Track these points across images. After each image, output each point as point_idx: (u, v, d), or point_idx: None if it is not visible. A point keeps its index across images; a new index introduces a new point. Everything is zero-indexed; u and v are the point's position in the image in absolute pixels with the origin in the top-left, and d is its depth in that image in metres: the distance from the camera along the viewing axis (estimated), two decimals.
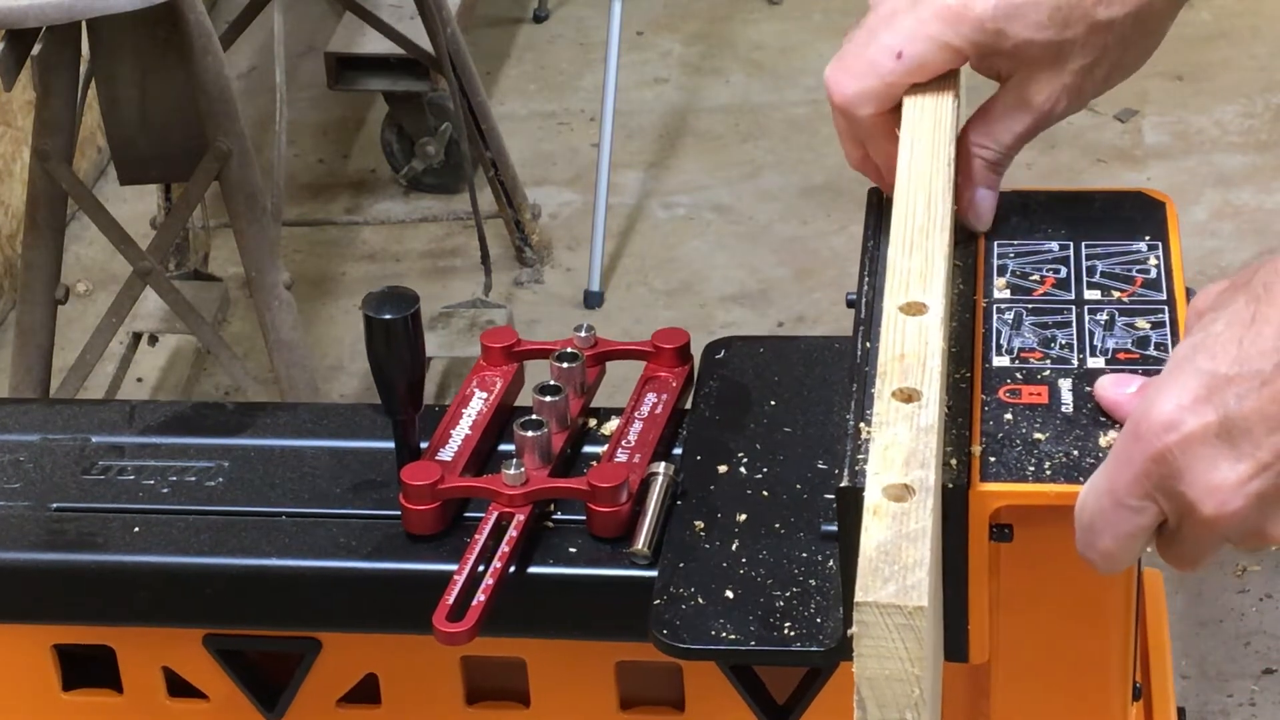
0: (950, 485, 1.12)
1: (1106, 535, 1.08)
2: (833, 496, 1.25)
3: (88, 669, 1.41)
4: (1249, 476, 1.04)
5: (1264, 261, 1.07)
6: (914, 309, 1.12)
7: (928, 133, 1.24)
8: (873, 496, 1.02)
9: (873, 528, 1.01)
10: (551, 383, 1.37)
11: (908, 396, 1.07)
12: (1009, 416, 1.17)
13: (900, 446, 1.05)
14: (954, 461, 1.13)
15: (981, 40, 1.23)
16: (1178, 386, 1.05)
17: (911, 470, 1.03)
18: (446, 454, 1.35)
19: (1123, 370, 1.18)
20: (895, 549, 1.00)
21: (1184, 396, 1.04)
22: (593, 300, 3.00)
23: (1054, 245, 1.30)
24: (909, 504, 1.02)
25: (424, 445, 1.35)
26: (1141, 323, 1.23)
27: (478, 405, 1.39)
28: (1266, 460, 1.03)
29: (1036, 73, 1.25)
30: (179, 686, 1.39)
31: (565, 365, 1.39)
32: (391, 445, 1.36)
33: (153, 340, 2.79)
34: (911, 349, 1.10)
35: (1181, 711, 1.47)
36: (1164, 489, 1.06)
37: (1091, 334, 1.22)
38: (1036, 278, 1.27)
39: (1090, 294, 1.26)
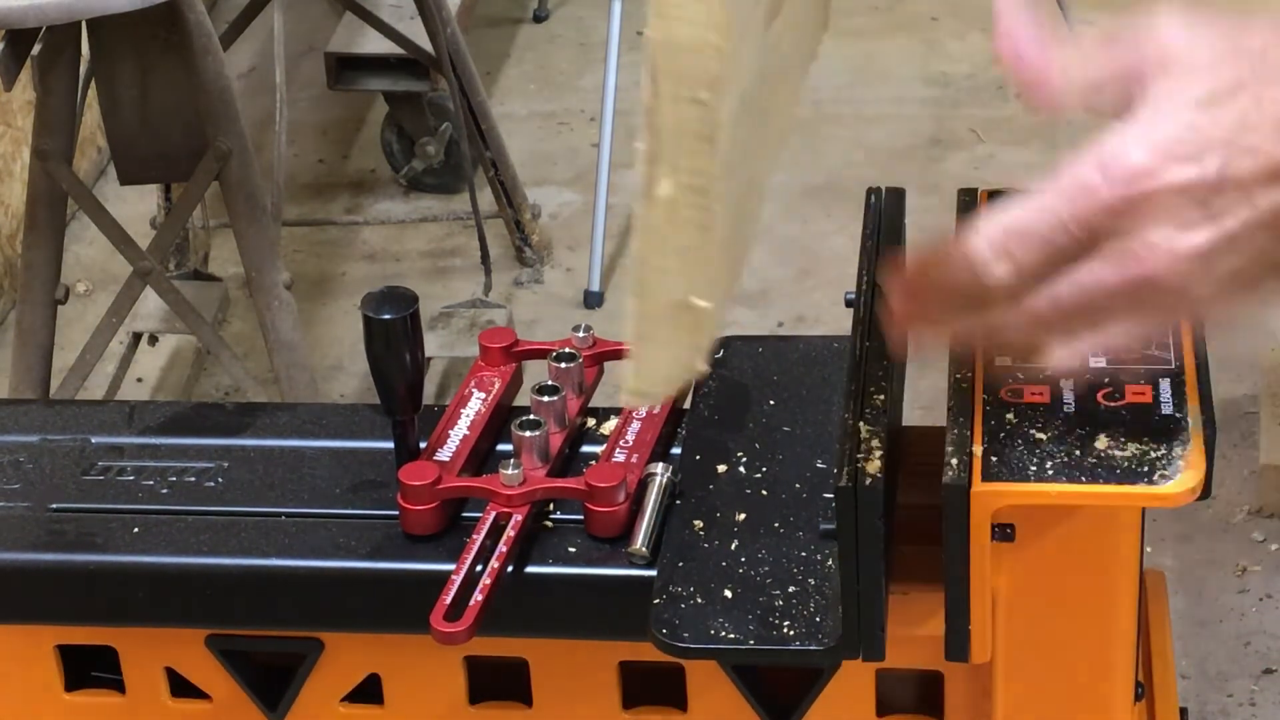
0: (952, 485, 1.12)
1: (1017, 254, 0.96)
2: (832, 496, 1.24)
3: (98, 665, 1.41)
4: (1208, 243, 0.93)
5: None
6: None
7: None
8: None
9: None
10: (550, 383, 1.37)
11: None
12: (1010, 416, 1.17)
13: None
14: (955, 461, 1.13)
15: None
16: (1161, 129, 0.94)
17: None
18: (445, 454, 1.35)
19: None
20: None
21: (1168, 143, 0.94)
22: (593, 300, 3.00)
23: None
24: None
25: (423, 445, 1.35)
26: None
27: (476, 405, 1.39)
28: (1233, 230, 0.93)
29: None
30: (181, 687, 1.39)
31: (563, 365, 1.39)
32: (391, 445, 1.36)
33: (153, 340, 2.79)
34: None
35: (1184, 712, 1.47)
36: (1108, 232, 0.95)
37: None
38: None
39: None
